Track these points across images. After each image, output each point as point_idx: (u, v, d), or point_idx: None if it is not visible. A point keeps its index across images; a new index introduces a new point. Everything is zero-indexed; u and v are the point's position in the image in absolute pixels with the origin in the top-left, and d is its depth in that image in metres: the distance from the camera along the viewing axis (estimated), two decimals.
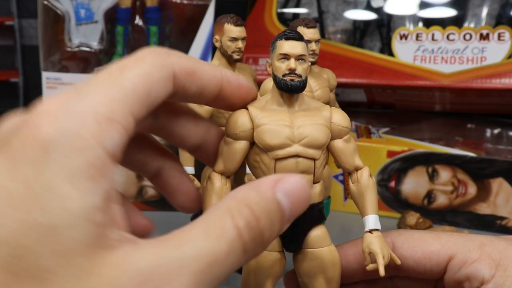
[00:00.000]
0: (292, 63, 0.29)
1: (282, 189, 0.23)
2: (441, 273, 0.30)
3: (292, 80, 0.29)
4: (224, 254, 0.20)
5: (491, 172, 0.67)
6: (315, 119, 0.30)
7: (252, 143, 0.30)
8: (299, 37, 0.29)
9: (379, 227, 0.30)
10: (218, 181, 0.30)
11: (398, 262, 0.30)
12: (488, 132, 0.80)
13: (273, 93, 0.30)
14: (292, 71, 0.29)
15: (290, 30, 0.30)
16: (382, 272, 0.28)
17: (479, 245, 0.30)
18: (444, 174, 0.69)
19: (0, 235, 0.18)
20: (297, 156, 0.29)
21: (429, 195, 0.70)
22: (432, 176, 0.70)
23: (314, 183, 0.30)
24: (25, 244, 0.18)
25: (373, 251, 0.29)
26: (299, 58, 0.29)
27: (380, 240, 0.29)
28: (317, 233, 0.30)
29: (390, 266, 0.31)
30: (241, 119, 0.29)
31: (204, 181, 0.31)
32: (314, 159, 0.29)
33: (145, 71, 0.23)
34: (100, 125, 0.20)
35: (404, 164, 0.70)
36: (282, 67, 0.29)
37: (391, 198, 0.72)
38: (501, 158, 0.67)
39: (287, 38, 0.29)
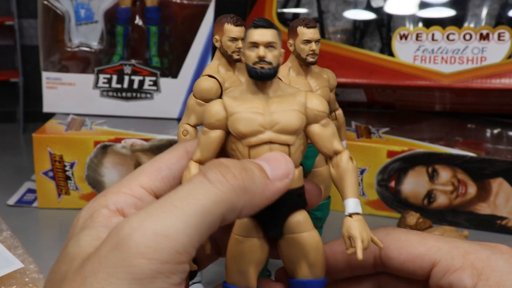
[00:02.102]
0: (261, 50, 0.29)
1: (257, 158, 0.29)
2: (425, 276, 0.31)
3: (262, 67, 0.29)
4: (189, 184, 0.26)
5: (491, 172, 0.67)
6: (289, 105, 0.30)
7: (228, 132, 0.30)
8: (268, 25, 0.29)
9: (359, 210, 0.29)
10: (194, 169, 0.30)
11: (381, 245, 0.29)
12: (488, 132, 0.80)
13: (247, 82, 0.30)
14: (261, 59, 0.29)
15: (259, 18, 0.30)
16: (360, 255, 0.28)
17: (463, 253, 0.29)
18: (444, 174, 0.69)
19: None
20: (270, 142, 0.29)
21: (429, 195, 0.70)
22: (432, 176, 0.70)
23: None
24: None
25: (352, 235, 0.29)
26: (269, 45, 0.29)
27: (360, 224, 0.29)
28: (298, 218, 0.30)
29: (377, 263, 0.32)
30: (215, 109, 0.30)
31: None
32: (288, 145, 0.29)
33: (154, 160, 0.31)
34: (106, 197, 0.29)
35: (404, 164, 0.70)
36: (252, 55, 0.29)
37: (391, 198, 0.72)
38: (501, 158, 0.67)
39: (256, 27, 0.29)
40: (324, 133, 0.30)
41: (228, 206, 0.25)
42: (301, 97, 0.30)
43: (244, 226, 0.30)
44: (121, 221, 0.25)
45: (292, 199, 0.30)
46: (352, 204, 0.29)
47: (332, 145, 0.30)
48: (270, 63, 0.29)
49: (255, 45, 0.29)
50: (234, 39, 0.45)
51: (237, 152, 0.30)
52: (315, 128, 0.30)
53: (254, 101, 0.30)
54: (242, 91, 0.30)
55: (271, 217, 0.30)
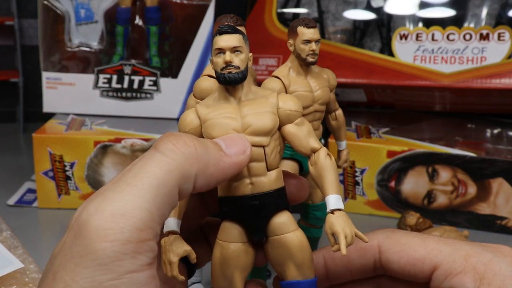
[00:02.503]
0: (227, 56, 0.29)
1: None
2: (426, 279, 0.30)
3: (230, 72, 0.29)
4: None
5: (491, 172, 0.67)
6: (261, 107, 0.30)
7: None
8: (233, 30, 0.30)
9: (341, 206, 0.29)
10: None
11: (366, 240, 0.29)
12: (488, 132, 0.80)
13: (219, 88, 0.31)
14: (228, 64, 0.29)
15: (223, 25, 0.30)
16: (343, 251, 0.28)
17: (465, 256, 0.29)
18: (444, 174, 0.69)
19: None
20: None
21: (429, 195, 0.70)
22: (432, 176, 0.70)
23: (268, 170, 0.30)
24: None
25: (334, 232, 0.28)
26: (235, 50, 0.29)
27: (342, 219, 0.28)
28: (280, 220, 0.30)
29: (377, 266, 0.31)
30: (189, 118, 0.30)
31: None
32: (263, 146, 0.29)
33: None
34: None
35: (404, 164, 0.70)
36: (219, 61, 0.29)
37: (391, 198, 0.72)
38: (501, 158, 0.67)
39: (221, 33, 0.29)
40: (299, 132, 0.30)
41: (181, 174, 0.25)
42: (273, 98, 0.30)
43: (228, 231, 0.30)
44: (80, 209, 0.24)
45: (272, 201, 0.30)
46: (333, 201, 0.29)
47: (309, 143, 0.30)
48: (237, 67, 0.29)
49: (221, 51, 0.29)
50: None
51: None
52: (289, 128, 0.30)
53: (226, 106, 0.30)
54: (215, 98, 0.31)
55: (254, 220, 0.30)
